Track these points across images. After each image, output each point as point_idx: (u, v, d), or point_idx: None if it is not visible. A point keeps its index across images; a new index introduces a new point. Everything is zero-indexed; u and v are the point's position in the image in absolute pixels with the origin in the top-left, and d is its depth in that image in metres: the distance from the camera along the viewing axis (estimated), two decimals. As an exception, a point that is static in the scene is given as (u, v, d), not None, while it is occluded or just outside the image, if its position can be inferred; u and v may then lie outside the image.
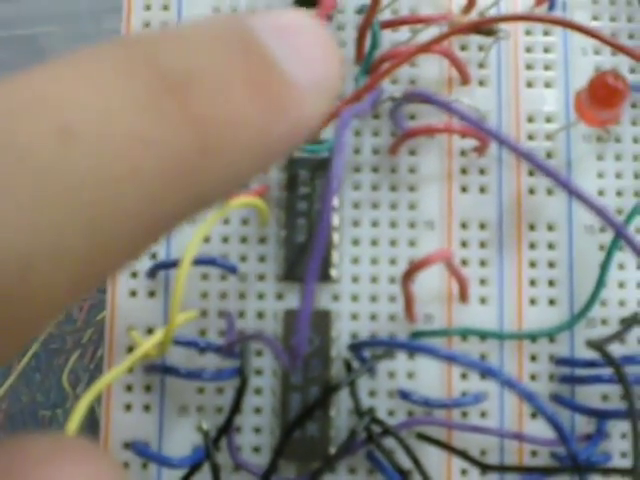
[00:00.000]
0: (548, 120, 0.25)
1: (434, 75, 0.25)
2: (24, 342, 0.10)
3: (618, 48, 0.22)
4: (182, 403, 0.24)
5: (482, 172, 0.25)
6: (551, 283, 0.24)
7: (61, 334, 0.44)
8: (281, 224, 0.24)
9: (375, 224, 0.24)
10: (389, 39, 0.25)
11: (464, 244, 0.24)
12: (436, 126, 0.24)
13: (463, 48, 0.25)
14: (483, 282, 0.24)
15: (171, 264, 0.24)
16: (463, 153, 0.25)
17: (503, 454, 0.24)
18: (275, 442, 0.23)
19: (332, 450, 0.23)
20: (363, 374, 0.23)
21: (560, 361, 0.24)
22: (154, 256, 0.24)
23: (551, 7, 0.25)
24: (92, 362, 0.43)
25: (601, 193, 0.25)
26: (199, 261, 0.24)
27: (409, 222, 0.24)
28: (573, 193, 0.18)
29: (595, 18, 0.26)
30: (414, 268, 0.22)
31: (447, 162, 0.25)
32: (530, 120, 0.25)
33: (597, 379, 0.23)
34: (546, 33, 0.25)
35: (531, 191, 0.25)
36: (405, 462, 0.22)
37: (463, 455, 0.23)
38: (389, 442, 0.22)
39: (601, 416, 0.23)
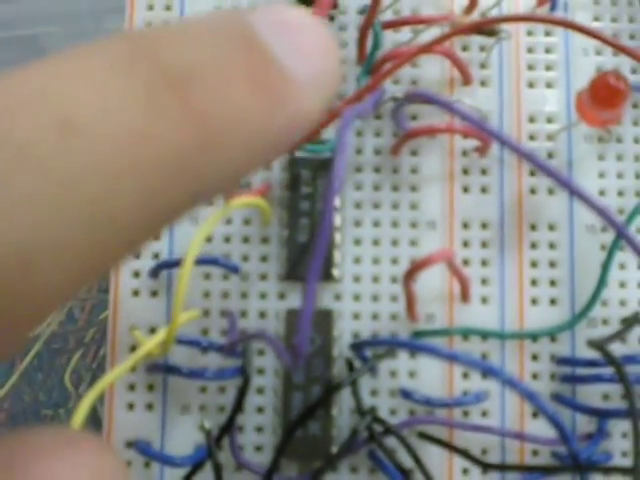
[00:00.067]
0: (549, 120, 0.25)
1: (436, 75, 0.25)
2: (25, 337, 0.10)
3: (619, 49, 0.22)
4: (184, 402, 0.24)
5: (484, 172, 0.25)
6: (552, 283, 0.24)
7: (63, 334, 0.44)
8: (283, 224, 0.24)
9: (377, 224, 0.25)
10: (391, 39, 0.25)
11: (465, 244, 0.24)
12: (438, 126, 0.24)
13: (465, 49, 0.25)
14: (484, 282, 0.24)
15: (174, 264, 0.24)
16: (465, 153, 0.25)
17: (504, 453, 0.24)
18: (277, 441, 0.24)
19: (334, 449, 0.23)
20: (365, 373, 0.23)
21: (561, 360, 0.24)
22: (157, 256, 0.24)
23: (553, 8, 0.25)
24: (94, 362, 0.44)
25: (602, 193, 0.25)
26: (201, 261, 0.24)
27: (411, 222, 0.25)
28: (574, 193, 0.18)
29: (596, 19, 0.26)
30: (415, 268, 0.22)
31: (449, 162, 0.25)
32: (531, 120, 0.25)
33: (598, 378, 0.23)
34: (547, 34, 0.25)
35: (532, 191, 0.25)
36: (407, 461, 0.22)
37: (464, 454, 0.23)
38: (391, 441, 0.22)
39: (602, 415, 0.23)
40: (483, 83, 0.25)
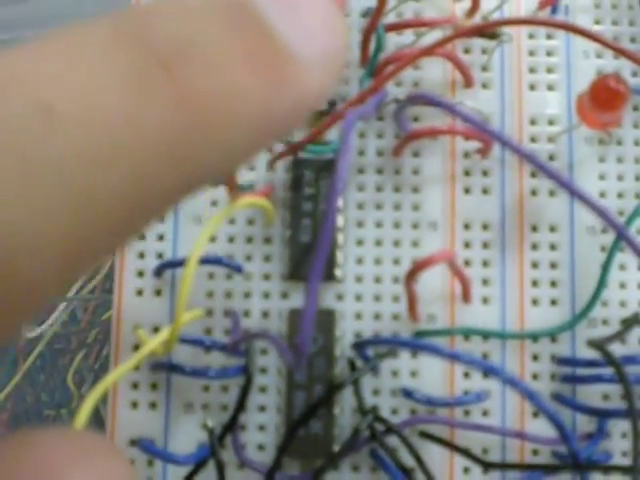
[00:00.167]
0: (550, 123, 0.25)
1: (438, 78, 0.25)
2: (13, 333, 0.10)
3: (620, 52, 0.22)
4: (188, 401, 0.24)
5: (485, 174, 0.25)
6: (553, 283, 0.24)
7: (66, 334, 0.44)
8: (286, 224, 0.25)
9: (379, 225, 0.25)
10: (394, 42, 0.25)
11: (467, 245, 0.25)
12: (439, 128, 0.24)
13: (467, 51, 0.26)
14: (486, 282, 0.24)
15: (177, 263, 0.24)
16: (466, 155, 0.25)
17: (505, 452, 0.24)
18: (279, 440, 0.24)
19: (336, 448, 0.23)
20: (367, 373, 0.23)
21: (561, 361, 0.24)
22: (161, 255, 0.25)
23: (554, 11, 0.25)
24: (97, 362, 0.44)
25: (603, 195, 0.25)
26: (205, 260, 0.24)
27: (412, 223, 0.25)
28: (575, 194, 0.18)
29: (597, 22, 0.26)
30: (417, 268, 0.22)
31: (450, 164, 0.25)
32: (533, 123, 0.25)
33: (598, 379, 0.23)
34: (549, 37, 0.26)
35: (533, 192, 0.25)
36: (408, 460, 0.22)
37: (465, 453, 0.23)
38: (392, 440, 0.23)
39: (602, 415, 0.23)
40: (485, 85, 0.25)
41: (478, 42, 0.25)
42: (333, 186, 0.16)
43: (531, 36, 0.26)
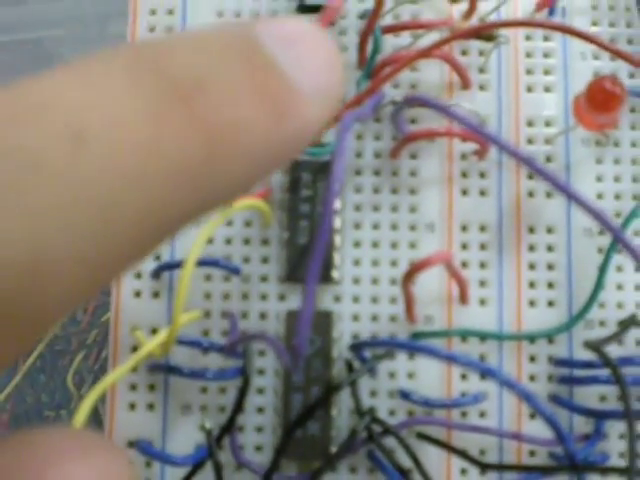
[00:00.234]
0: (547, 124, 0.25)
1: (435, 79, 0.25)
2: (31, 342, 0.10)
3: (616, 53, 0.22)
4: (185, 402, 0.24)
5: (482, 175, 0.25)
6: (550, 285, 0.25)
7: (66, 335, 0.44)
8: (284, 226, 0.25)
9: (376, 226, 0.25)
10: (391, 44, 0.25)
11: (464, 246, 0.25)
12: (437, 130, 0.24)
13: (464, 53, 0.26)
14: (483, 284, 0.25)
15: (175, 265, 0.24)
16: (463, 156, 0.25)
17: (502, 454, 0.24)
18: (277, 441, 0.24)
19: (333, 449, 0.23)
20: (364, 374, 0.23)
21: (559, 362, 0.24)
22: (158, 257, 0.25)
23: (551, 13, 0.25)
24: (96, 363, 0.44)
25: (600, 196, 0.25)
26: (202, 262, 0.24)
27: (410, 224, 0.25)
28: (572, 197, 0.18)
29: (594, 23, 0.26)
30: (414, 270, 0.22)
31: (447, 165, 0.25)
32: (530, 124, 0.25)
33: (595, 380, 0.23)
34: (546, 38, 0.26)
35: (530, 194, 0.25)
36: (405, 461, 0.22)
37: (463, 454, 0.23)
38: (389, 441, 0.23)
39: (599, 416, 0.23)
40: (482, 87, 0.25)
41: (475, 44, 0.25)
42: (329, 188, 0.16)
43: (528, 38, 0.26)
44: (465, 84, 0.25)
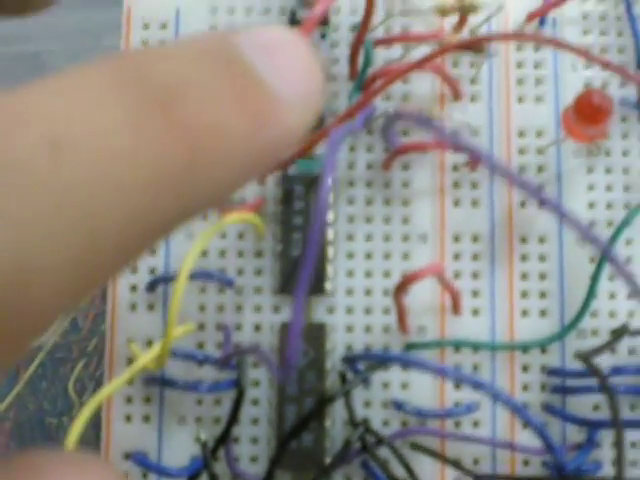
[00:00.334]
0: (539, 135, 0.25)
1: (426, 91, 0.26)
2: (22, 351, 0.10)
3: (605, 65, 0.22)
4: (181, 414, 0.24)
5: (474, 186, 0.25)
6: (542, 295, 0.25)
7: (67, 343, 0.44)
8: (277, 238, 0.25)
9: (369, 238, 0.25)
10: (382, 56, 0.25)
11: (457, 257, 0.25)
12: (428, 143, 0.24)
13: (455, 64, 0.26)
14: (475, 294, 0.25)
15: (170, 278, 0.24)
16: (455, 168, 0.25)
17: (495, 463, 0.24)
18: (271, 452, 0.24)
19: (327, 460, 0.24)
20: (357, 385, 0.23)
21: (551, 371, 0.24)
22: (153, 271, 0.25)
23: (542, 23, 0.26)
24: (97, 370, 0.44)
25: (591, 206, 0.25)
26: (196, 275, 0.24)
27: (402, 236, 0.25)
28: (563, 217, 0.18)
29: (585, 33, 0.26)
30: (405, 282, 0.22)
31: (439, 177, 0.25)
32: (521, 135, 0.25)
33: (587, 389, 0.23)
34: (537, 49, 0.26)
35: (522, 204, 0.25)
36: (399, 471, 0.23)
37: (456, 464, 0.23)
38: (383, 452, 0.23)
39: (592, 426, 0.23)
40: (473, 98, 0.26)
41: (466, 55, 0.26)
42: (318, 200, 0.17)
43: (519, 49, 0.26)
44: (456, 96, 0.25)
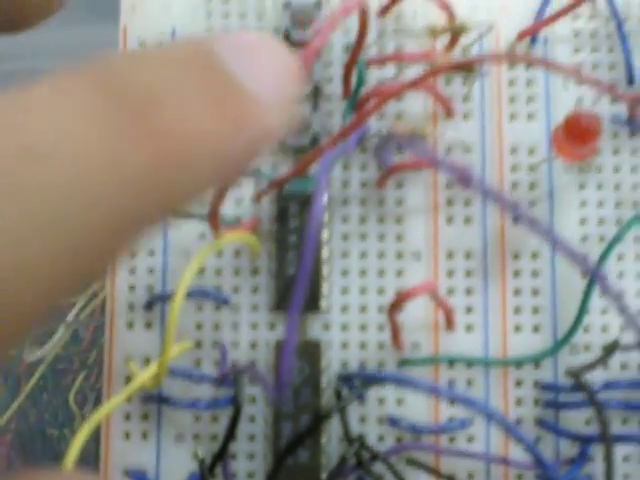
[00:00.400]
0: (531, 152, 0.26)
1: (419, 110, 0.26)
2: (3, 355, 0.10)
3: (595, 85, 0.23)
4: (178, 431, 0.25)
5: (467, 203, 0.25)
6: (535, 310, 0.25)
7: (68, 355, 0.44)
8: (272, 256, 0.25)
9: (363, 255, 0.25)
10: (375, 76, 0.26)
11: (450, 274, 0.25)
12: (421, 161, 0.25)
13: (447, 82, 0.26)
14: (469, 310, 0.25)
15: (167, 297, 0.25)
16: (448, 185, 0.25)
17: (489, 478, 0.24)
18: (268, 468, 0.24)
19: (323, 476, 0.24)
20: (352, 402, 0.24)
21: (544, 387, 0.24)
22: (151, 289, 0.25)
23: (533, 41, 0.26)
24: (98, 382, 0.44)
25: (583, 222, 0.25)
26: (193, 293, 0.24)
27: (396, 253, 0.25)
28: (556, 244, 0.18)
29: (577, 50, 0.26)
30: (399, 300, 0.23)
31: (432, 194, 0.25)
32: (513, 152, 0.26)
33: (580, 404, 0.24)
34: (528, 68, 0.26)
35: (515, 221, 0.25)
36: (394, 487, 0.23)
37: (451, 479, 0.23)
38: (379, 468, 0.23)
39: (584, 440, 0.24)
40: (466, 116, 0.26)
41: (458, 74, 0.26)
42: (312, 223, 0.17)
43: (510, 67, 0.26)
44: (449, 114, 0.26)
